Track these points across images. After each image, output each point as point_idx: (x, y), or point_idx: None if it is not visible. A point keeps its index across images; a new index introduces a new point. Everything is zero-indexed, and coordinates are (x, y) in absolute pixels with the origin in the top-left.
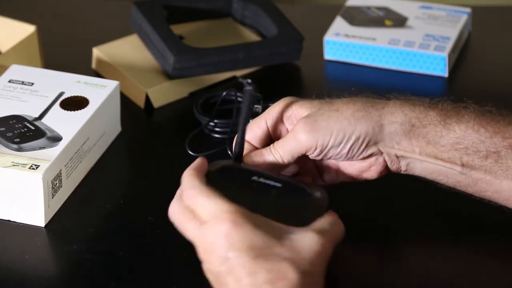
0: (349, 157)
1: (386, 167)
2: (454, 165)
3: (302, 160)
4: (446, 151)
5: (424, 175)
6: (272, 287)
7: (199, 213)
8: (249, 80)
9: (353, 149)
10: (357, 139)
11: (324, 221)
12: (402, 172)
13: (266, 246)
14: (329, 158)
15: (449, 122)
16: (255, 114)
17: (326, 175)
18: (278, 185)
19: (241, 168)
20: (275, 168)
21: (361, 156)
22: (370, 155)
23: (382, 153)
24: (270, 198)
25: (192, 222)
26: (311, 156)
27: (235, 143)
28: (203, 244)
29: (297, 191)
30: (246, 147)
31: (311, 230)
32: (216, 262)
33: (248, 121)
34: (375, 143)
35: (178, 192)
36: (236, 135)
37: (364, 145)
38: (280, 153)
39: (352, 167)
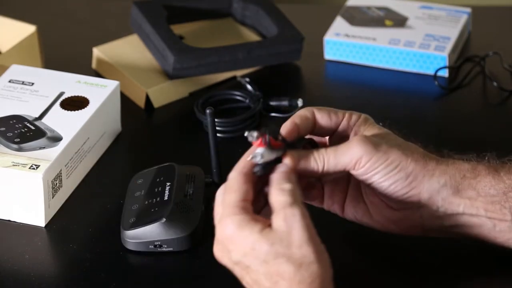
0: (389, 191)
1: (419, 225)
2: (505, 216)
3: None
4: (497, 202)
5: (464, 231)
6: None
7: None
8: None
9: (397, 184)
10: (407, 176)
11: None
12: (433, 232)
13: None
14: (369, 183)
15: (498, 172)
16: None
17: (352, 207)
18: None
19: None
20: (305, 175)
21: (399, 196)
22: (409, 204)
23: (421, 207)
24: None
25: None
26: (355, 171)
27: (213, 165)
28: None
29: None
30: (287, 125)
31: None
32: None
33: (217, 143)
34: (419, 193)
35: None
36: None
37: (408, 184)
38: (325, 159)
39: (384, 211)
